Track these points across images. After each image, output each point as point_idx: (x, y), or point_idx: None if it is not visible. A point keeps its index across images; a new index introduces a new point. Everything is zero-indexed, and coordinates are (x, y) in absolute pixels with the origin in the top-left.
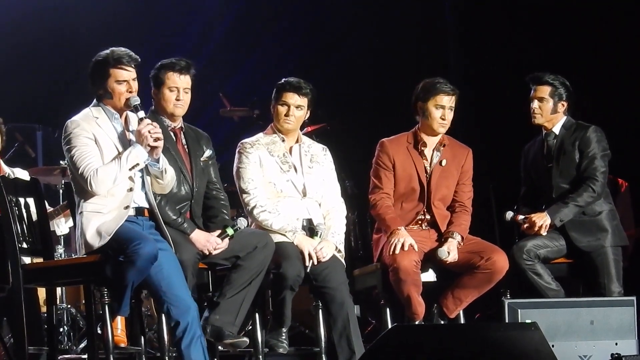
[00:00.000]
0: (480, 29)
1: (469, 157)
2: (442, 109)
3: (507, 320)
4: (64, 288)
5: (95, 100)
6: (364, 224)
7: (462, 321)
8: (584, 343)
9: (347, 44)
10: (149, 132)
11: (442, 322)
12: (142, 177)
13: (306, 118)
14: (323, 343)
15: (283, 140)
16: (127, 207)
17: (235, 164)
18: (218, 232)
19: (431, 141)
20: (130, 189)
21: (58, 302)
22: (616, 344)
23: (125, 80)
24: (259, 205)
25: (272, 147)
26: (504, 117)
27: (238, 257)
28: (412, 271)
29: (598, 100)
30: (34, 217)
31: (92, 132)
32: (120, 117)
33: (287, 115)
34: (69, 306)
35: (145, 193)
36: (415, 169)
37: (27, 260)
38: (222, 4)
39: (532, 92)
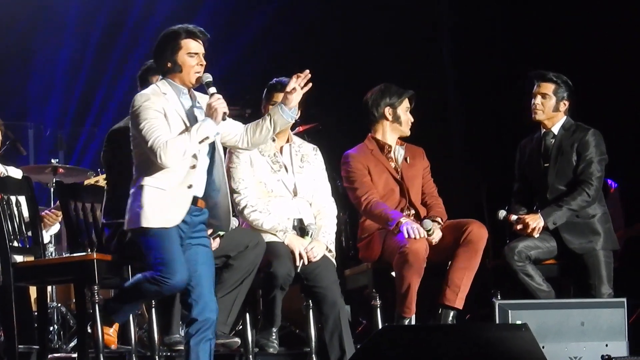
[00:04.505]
0: (474, 28)
1: (424, 155)
2: (408, 111)
3: (497, 321)
4: (54, 287)
5: (160, 76)
6: (355, 223)
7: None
8: (575, 344)
9: (339, 44)
10: (220, 106)
11: (451, 323)
12: (213, 159)
13: (297, 118)
14: (314, 343)
15: (274, 140)
16: (190, 187)
17: (225, 164)
18: (209, 232)
19: (393, 143)
20: (193, 167)
21: (48, 300)
22: (606, 345)
23: (196, 53)
24: (250, 205)
25: (263, 147)
26: (496, 117)
27: (229, 256)
28: (422, 257)
29: (589, 101)
30: (25, 214)
31: (162, 107)
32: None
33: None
34: (59, 305)
35: (213, 181)
36: (387, 170)
37: (18, 258)
38: (215, 2)
39: (535, 87)
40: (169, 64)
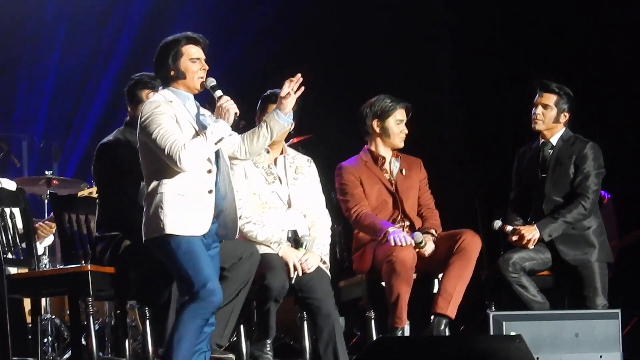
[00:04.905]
0: (471, 37)
1: (422, 166)
2: (401, 123)
3: (492, 333)
4: (48, 298)
5: (162, 86)
6: (349, 235)
7: (447, 333)
8: (569, 356)
9: (333, 54)
10: (231, 106)
11: (445, 334)
12: (218, 166)
13: (291, 129)
14: (308, 354)
15: (268, 152)
16: (210, 192)
17: None
18: None
19: (387, 155)
20: (209, 171)
21: (42, 312)
22: (601, 356)
23: (198, 58)
24: (244, 217)
25: (257, 159)
26: (493, 122)
27: (223, 268)
28: (409, 265)
29: (586, 106)
30: (19, 226)
31: (174, 113)
32: None
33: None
34: (53, 317)
35: (218, 189)
36: (381, 182)
37: (12, 270)
38: (209, 11)
39: (537, 97)
40: (172, 72)
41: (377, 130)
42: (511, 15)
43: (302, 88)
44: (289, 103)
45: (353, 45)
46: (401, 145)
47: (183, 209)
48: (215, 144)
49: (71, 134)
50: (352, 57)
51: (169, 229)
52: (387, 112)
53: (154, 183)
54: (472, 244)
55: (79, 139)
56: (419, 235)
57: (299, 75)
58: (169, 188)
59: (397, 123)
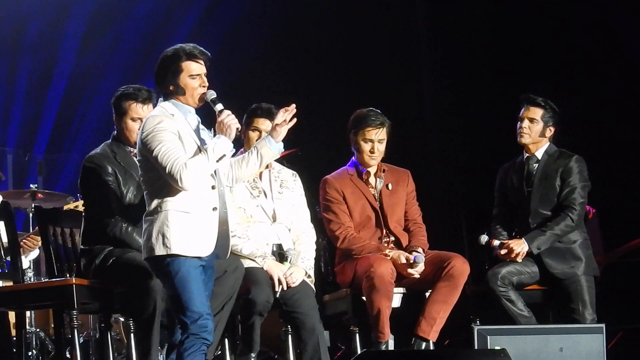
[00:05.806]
0: (456, 52)
1: (410, 178)
2: (371, 142)
3: (476, 347)
4: (33, 311)
5: (162, 98)
6: (334, 249)
7: (432, 347)
8: None
9: (319, 66)
10: (232, 122)
11: (430, 349)
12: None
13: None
14: None
15: None
16: (215, 209)
17: None
18: None
19: (372, 169)
20: (213, 187)
21: (27, 325)
22: None
23: (198, 74)
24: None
25: None
26: (478, 142)
27: None
28: (388, 280)
29: (569, 127)
30: (4, 240)
31: (176, 129)
32: None
33: (257, 140)
34: (38, 330)
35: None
36: (365, 197)
37: None
38: (199, 34)
39: (523, 111)
40: (172, 87)
41: (352, 145)
42: (496, 28)
43: (295, 119)
44: (283, 131)
45: (339, 58)
46: (371, 163)
47: (189, 228)
48: (217, 161)
49: (61, 147)
50: (338, 70)
51: (175, 249)
52: (356, 130)
53: (157, 199)
54: (460, 270)
55: (64, 153)
56: (420, 258)
57: (294, 105)
58: (173, 205)
59: (366, 142)
